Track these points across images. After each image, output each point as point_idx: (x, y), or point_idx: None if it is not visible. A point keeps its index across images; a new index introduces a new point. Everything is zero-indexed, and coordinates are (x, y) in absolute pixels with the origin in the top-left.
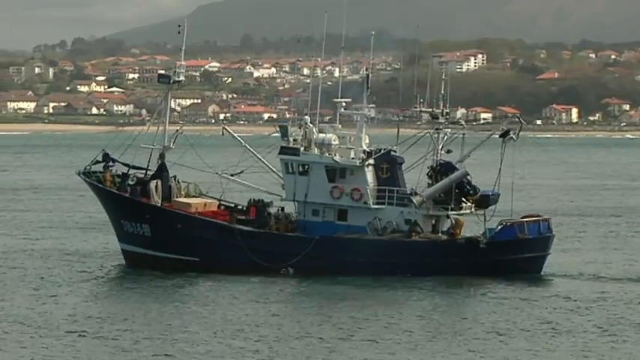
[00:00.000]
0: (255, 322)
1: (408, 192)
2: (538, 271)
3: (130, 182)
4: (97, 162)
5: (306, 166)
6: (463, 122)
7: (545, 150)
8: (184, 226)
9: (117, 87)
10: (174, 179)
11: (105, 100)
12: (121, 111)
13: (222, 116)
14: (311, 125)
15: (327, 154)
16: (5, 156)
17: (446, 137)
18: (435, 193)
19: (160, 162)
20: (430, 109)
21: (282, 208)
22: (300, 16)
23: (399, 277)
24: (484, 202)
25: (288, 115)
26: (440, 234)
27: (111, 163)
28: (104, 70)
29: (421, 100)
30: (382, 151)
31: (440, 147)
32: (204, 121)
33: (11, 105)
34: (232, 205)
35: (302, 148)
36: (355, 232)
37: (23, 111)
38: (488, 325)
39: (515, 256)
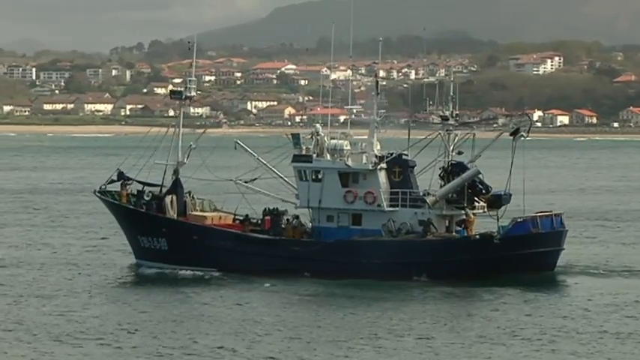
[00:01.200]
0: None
1: (421, 194)
2: (552, 265)
3: (146, 198)
4: (113, 181)
5: (319, 173)
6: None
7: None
8: (200, 237)
9: None
10: (189, 195)
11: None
12: (197, 113)
13: (297, 119)
14: (322, 133)
15: (339, 160)
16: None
17: (457, 138)
18: (447, 193)
19: (174, 178)
20: (442, 113)
21: (297, 217)
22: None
23: (415, 279)
24: (496, 202)
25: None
26: (454, 233)
27: (129, 182)
28: (180, 73)
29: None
30: (393, 155)
31: (451, 148)
32: (280, 124)
33: (88, 107)
34: (247, 216)
35: (314, 155)
36: (370, 235)
37: (100, 113)
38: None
39: (529, 250)
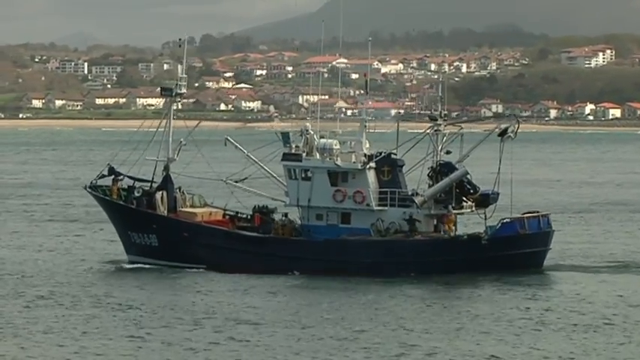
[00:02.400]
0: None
1: (410, 193)
2: (539, 265)
3: (136, 194)
4: (103, 176)
5: (309, 172)
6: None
7: None
8: (190, 234)
9: (245, 83)
10: (179, 190)
11: (233, 97)
12: (249, 107)
13: (349, 112)
14: (312, 132)
15: (328, 159)
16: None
17: (445, 138)
18: (435, 193)
19: (164, 174)
20: (429, 111)
21: (286, 214)
22: (427, 11)
23: (403, 276)
24: (484, 201)
25: (416, 111)
26: (442, 232)
27: (120, 177)
28: (232, 67)
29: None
30: (383, 154)
31: (439, 148)
32: (332, 117)
33: (140, 101)
34: (236, 213)
35: (304, 154)
36: (359, 234)
37: (152, 107)
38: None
39: (516, 251)
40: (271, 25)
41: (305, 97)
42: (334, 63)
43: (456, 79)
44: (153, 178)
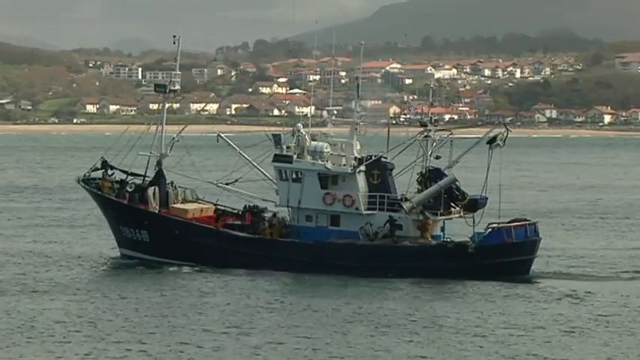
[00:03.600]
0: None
1: (399, 197)
2: (525, 272)
3: (129, 189)
4: (96, 169)
5: (300, 174)
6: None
7: None
8: (181, 232)
9: (298, 88)
10: (172, 185)
11: (286, 102)
12: (302, 112)
13: (402, 117)
14: (304, 133)
15: (319, 162)
16: None
17: (435, 143)
18: (424, 199)
19: (157, 169)
20: (421, 117)
21: (275, 214)
22: (481, 16)
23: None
24: (473, 206)
25: (469, 117)
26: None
27: (112, 171)
28: (285, 72)
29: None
30: (373, 158)
31: (429, 153)
32: (385, 122)
33: (194, 106)
34: (229, 209)
35: (295, 156)
36: (347, 237)
37: (206, 112)
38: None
39: (503, 260)
40: (325, 31)
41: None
42: (388, 68)
43: (510, 84)
44: (146, 174)
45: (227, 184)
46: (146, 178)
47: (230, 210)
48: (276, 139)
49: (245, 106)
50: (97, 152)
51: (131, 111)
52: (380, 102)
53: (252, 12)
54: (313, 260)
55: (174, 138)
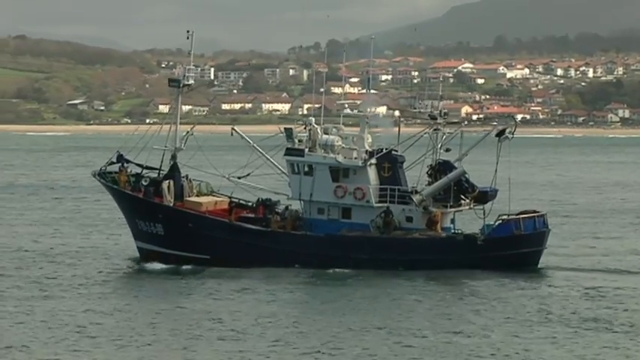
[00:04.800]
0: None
1: (409, 190)
2: (534, 264)
3: (144, 183)
4: (112, 163)
5: (311, 167)
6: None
7: None
8: (195, 225)
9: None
10: (186, 178)
11: (358, 102)
12: (374, 112)
13: (474, 117)
14: (315, 126)
15: (330, 155)
16: None
17: (445, 137)
18: (434, 192)
19: (172, 162)
20: (429, 110)
21: (287, 207)
22: (553, 16)
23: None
24: (482, 198)
25: (541, 116)
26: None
27: (127, 165)
28: (357, 72)
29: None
30: (384, 151)
31: (439, 146)
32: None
33: (266, 106)
34: (243, 202)
35: (307, 149)
36: (358, 229)
37: (278, 112)
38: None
39: (512, 251)
40: (396, 31)
41: (430, 101)
42: (460, 68)
43: (582, 84)
44: (161, 167)
45: (239, 177)
46: (161, 172)
47: (244, 203)
48: (288, 133)
49: (317, 106)
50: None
51: (203, 111)
52: (452, 101)
53: (323, 12)
54: (324, 253)
55: (188, 131)
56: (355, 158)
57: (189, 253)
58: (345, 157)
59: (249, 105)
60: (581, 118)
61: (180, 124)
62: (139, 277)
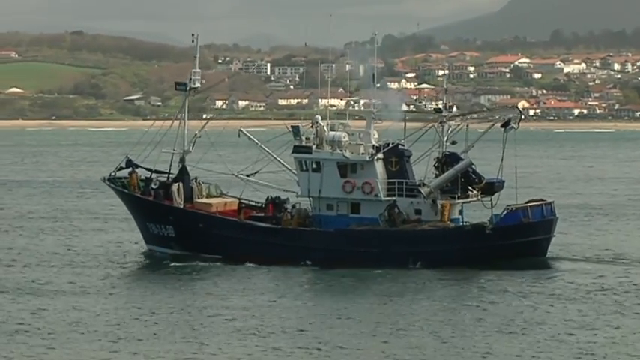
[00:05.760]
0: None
1: (417, 183)
2: (543, 253)
3: (153, 186)
4: (122, 168)
5: (319, 163)
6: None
7: None
8: (206, 225)
9: (427, 83)
10: (195, 181)
11: (415, 97)
12: (431, 106)
13: (531, 112)
14: (322, 124)
15: (338, 151)
16: None
17: (450, 129)
18: (442, 184)
19: (180, 165)
20: (434, 104)
21: (294, 206)
22: (610, 10)
23: (411, 267)
24: (489, 189)
25: (598, 111)
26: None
27: (136, 170)
28: (414, 67)
29: None
30: (390, 146)
31: (445, 139)
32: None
33: (322, 102)
34: (252, 203)
35: (314, 147)
36: (368, 223)
37: (334, 107)
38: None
39: (520, 240)
40: (453, 25)
41: (487, 96)
42: (516, 62)
43: (639, 78)
44: (170, 170)
45: (248, 176)
46: (170, 175)
47: (253, 204)
48: (295, 131)
49: (373, 100)
50: (223, 147)
51: (260, 107)
52: (508, 96)
53: (380, 7)
54: (334, 248)
55: (196, 134)
56: (362, 153)
57: (200, 253)
58: (352, 153)
59: (306, 100)
60: (638, 113)
61: (235, 119)
62: (149, 276)
